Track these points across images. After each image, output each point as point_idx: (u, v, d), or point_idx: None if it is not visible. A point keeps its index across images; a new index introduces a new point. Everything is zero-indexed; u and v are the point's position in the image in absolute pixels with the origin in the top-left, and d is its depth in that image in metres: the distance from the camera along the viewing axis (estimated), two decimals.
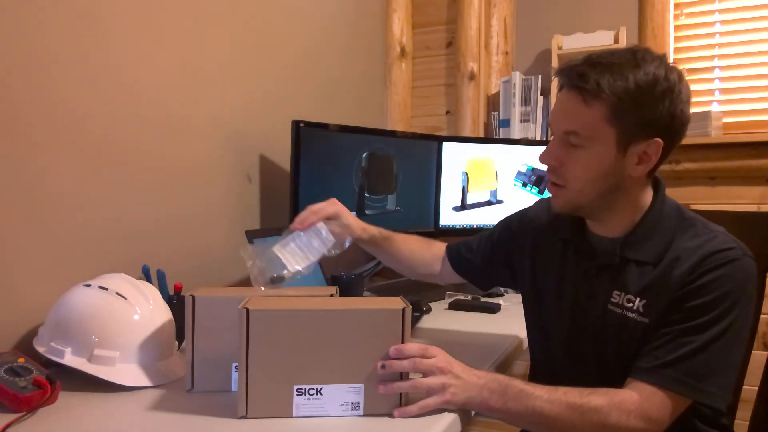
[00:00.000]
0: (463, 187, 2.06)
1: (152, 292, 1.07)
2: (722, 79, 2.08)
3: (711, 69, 2.09)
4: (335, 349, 0.85)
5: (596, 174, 0.93)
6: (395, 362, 0.85)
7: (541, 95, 2.19)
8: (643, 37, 2.13)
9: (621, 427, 0.85)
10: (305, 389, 0.85)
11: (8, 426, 0.80)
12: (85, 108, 1.20)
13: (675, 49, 2.11)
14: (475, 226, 2.07)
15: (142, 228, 1.32)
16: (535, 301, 1.14)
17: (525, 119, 2.21)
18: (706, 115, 1.95)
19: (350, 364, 0.85)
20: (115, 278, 1.05)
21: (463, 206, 2.06)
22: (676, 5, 2.11)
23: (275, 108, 1.74)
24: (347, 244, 1.15)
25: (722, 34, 2.07)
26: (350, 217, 1.20)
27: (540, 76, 2.20)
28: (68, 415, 0.85)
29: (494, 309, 1.60)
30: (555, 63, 2.17)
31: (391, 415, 0.85)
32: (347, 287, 1.52)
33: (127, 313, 1.00)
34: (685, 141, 2.02)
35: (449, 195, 2.05)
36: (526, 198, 2.06)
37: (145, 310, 1.02)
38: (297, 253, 1.04)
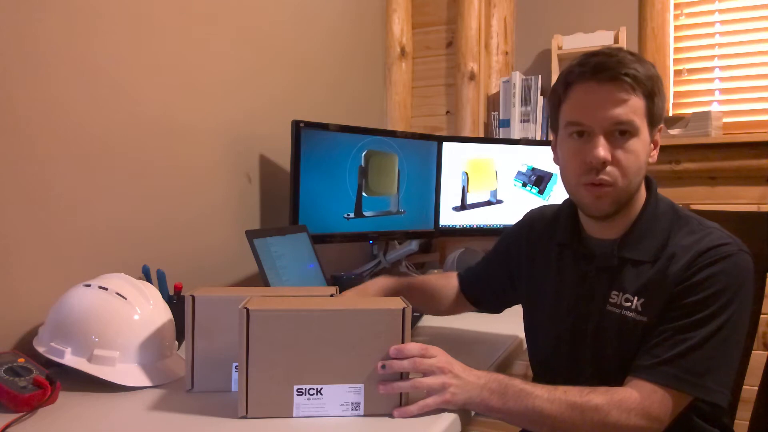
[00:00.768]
0: (463, 187, 2.06)
1: (152, 292, 1.07)
2: (722, 79, 2.08)
3: (711, 69, 2.09)
4: (335, 349, 0.84)
5: (642, 163, 0.94)
6: (395, 362, 0.85)
7: (541, 95, 2.19)
8: (643, 37, 2.13)
9: (621, 426, 0.85)
10: (305, 389, 0.85)
11: (8, 426, 0.80)
12: (85, 108, 1.20)
13: (675, 49, 2.11)
14: (475, 226, 2.07)
15: (142, 228, 1.32)
16: (533, 308, 1.14)
17: (525, 119, 2.21)
18: (706, 115, 1.95)
19: (350, 364, 0.85)
20: (115, 278, 1.05)
21: (463, 206, 2.06)
22: (676, 5, 2.11)
23: (275, 108, 1.74)
24: None
25: (722, 34, 2.07)
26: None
27: (540, 76, 2.20)
28: (68, 415, 0.85)
29: None
30: (555, 63, 2.17)
31: (391, 415, 0.85)
32: (347, 287, 1.52)
33: (127, 313, 1.00)
34: (685, 141, 2.05)
35: (449, 195, 2.05)
36: (526, 198, 2.06)
37: (145, 310, 1.02)
38: None
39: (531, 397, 0.86)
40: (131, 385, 0.96)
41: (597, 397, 0.86)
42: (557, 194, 1.99)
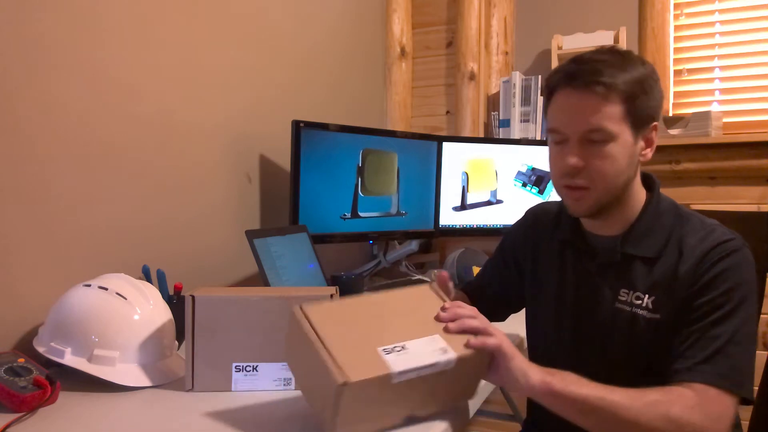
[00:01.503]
0: (463, 187, 2.06)
1: (152, 292, 1.07)
2: (722, 79, 2.08)
3: (711, 69, 2.09)
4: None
5: (621, 166, 0.94)
6: (467, 320, 0.85)
7: (541, 95, 2.19)
8: (643, 37, 2.13)
9: (684, 422, 0.82)
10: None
11: (8, 426, 0.80)
12: (85, 108, 1.20)
13: (675, 49, 2.11)
14: (475, 226, 2.07)
15: (142, 228, 1.32)
16: (536, 305, 1.14)
17: (525, 119, 2.21)
18: (706, 115, 1.95)
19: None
20: (115, 278, 1.05)
21: (463, 206, 2.06)
22: (676, 5, 2.11)
23: (275, 108, 1.74)
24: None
25: (722, 34, 2.07)
26: None
27: (540, 76, 2.20)
28: (68, 415, 0.85)
29: None
30: (555, 63, 2.16)
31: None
32: (347, 287, 1.52)
33: (127, 313, 1.00)
34: (685, 141, 2.05)
35: (449, 195, 2.05)
36: (526, 198, 2.06)
37: (145, 310, 1.02)
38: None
39: (590, 386, 0.84)
40: (131, 385, 0.96)
41: (652, 392, 0.84)
42: (557, 194, 1.99)
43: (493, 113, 2.29)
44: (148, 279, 1.23)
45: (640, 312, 0.96)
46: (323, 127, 1.69)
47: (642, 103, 0.93)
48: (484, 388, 1.03)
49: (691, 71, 2.11)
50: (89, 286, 1.02)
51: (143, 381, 0.98)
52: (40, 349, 0.98)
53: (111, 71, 1.25)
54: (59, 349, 0.96)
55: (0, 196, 1.05)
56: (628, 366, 0.95)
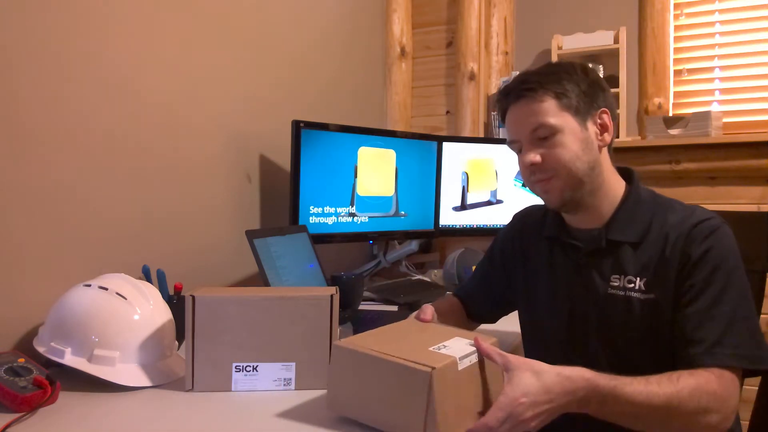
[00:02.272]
0: (463, 187, 2.06)
1: (152, 292, 1.07)
2: (722, 79, 2.08)
3: (711, 69, 2.09)
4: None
5: (575, 151, 1.00)
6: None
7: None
8: (643, 37, 2.13)
9: (704, 407, 0.84)
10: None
11: (8, 426, 0.80)
12: (85, 108, 1.20)
13: (675, 49, 2.11)
14: (475, 226, 2.07)
15: (142, 228, 1.32)
16: (530, 304, 1.15)
17: None
18: (706, 115, 1.95)
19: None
20: (115, 278, 1.05)
21: (463, 206, 2.06)
22: (676, 5, 2.11)
23: (275, 108, 1.74)
24: None
25: (722, 34, 2.07)
26: None
27: None
28: (68, 415, 0.85)
29: None
30: None
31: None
32: (347, 287, 1.52)
33: (127, 313, 1.00)
34: (685, 141, 2.05)
35: (449, 195, 2.05)
36: (526, 198, 2.06)
37: (145, 310, 1.02)
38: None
39: (626, 397, 0.83)
40: (131, 385, 0.96)
41: (688, 379, 0.86)
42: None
43: (493, 113, 2.29)
44: (148, 279, 1.23)
45: (634, 294, 0.99)
46: (323, 127, 1.69)
47: (575, 93, 1.01)
48: None
49: (691, 71, 2.11)
50: (89, 286, 1.02)
51: (143, 381, 0.98)
52: (40, 349, 0.98)
53: (111, 72, 1.25)
54: (59, 349, 0.96)
55: (0, 196, 1.05)
56: (629, 350, 0.98)
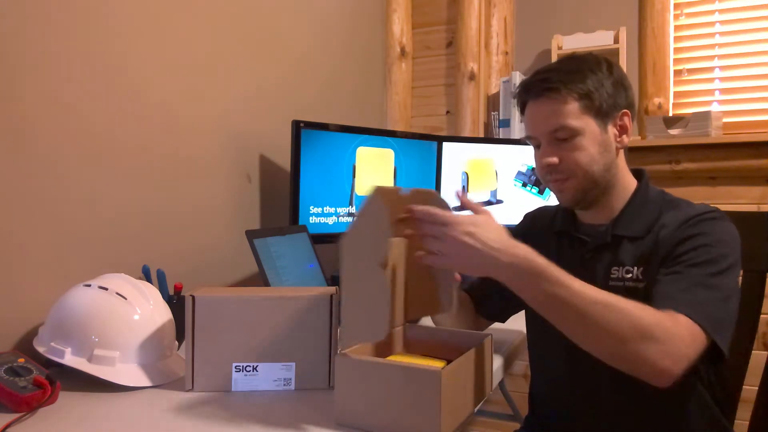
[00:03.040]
0: (463, 187, 2.06)
1: (152, 292, 1.07)
2: (722, 79, 2.08)
3: (711, 69, 2.09)
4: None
5: (593, 154, 1.02)
6: (426, 226, 0.88)
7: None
8: (643, 37, 2.13)
9: (647, 331, 0.82)
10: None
11: (8, 426, 0.80)
12: (85, 108, 1.20)
13: (675, 49, 2.11)
14: None
15: (142, 228, 1.32)
16: None
17: None
18: (706, 115, 1.95)
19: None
20: (115, 278, 1.05)
21: (463, 206, 2.06)
22: (676, 5, 2.11)
23: (275, 108, 1.74)
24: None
25: (722, 34, 2.07)
26: None
27: None
28: (68, 415, 0.85)
29: None
30: None
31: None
32: None
33: (127, 313, 1.00)
34: (685, 141, 2.05)
35: (449, 195, 2.04)
36: (526, 198, 2.06)
37: (145, 310, 1.02)
38: None
39: (563, 280, 0.85)
40: (131, 385, 0.96)
41: (637, 303, 0.85)
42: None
43: (493, 113, 2.30)
44: (148, 279, 1.23)
45: (632, 284, 1.01)
46: (323, 127, 1.69)
47: (599, 95, 1.01)
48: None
49: (691, 71, 2.11)
50: (89, 286, 1.02)
51: (143, 381, 0.98)
52: (40, 349, 0.98)
53: (111, 72, 1.25)
54: (59, 349, 0.96)
55: (0, 196, 1.05)
56: None
